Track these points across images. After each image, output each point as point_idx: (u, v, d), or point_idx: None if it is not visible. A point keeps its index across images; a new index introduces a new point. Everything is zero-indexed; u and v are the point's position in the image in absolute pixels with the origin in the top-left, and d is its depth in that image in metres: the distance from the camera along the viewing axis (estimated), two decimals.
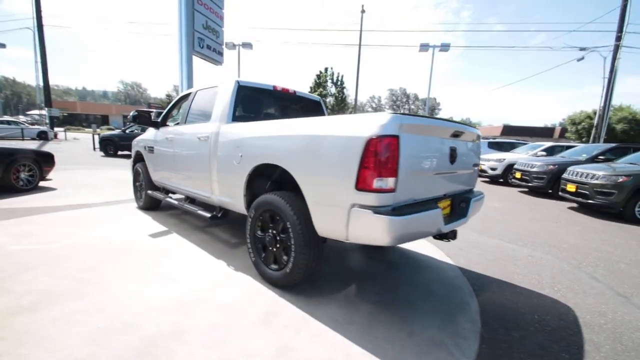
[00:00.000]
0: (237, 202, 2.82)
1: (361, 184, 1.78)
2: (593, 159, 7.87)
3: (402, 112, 1.80)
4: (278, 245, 2.39)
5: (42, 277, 2.40)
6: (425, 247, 3.62)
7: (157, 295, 2.25)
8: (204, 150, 3.10)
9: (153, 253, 3.02)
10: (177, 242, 3.37)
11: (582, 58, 16.40)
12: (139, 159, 4.77)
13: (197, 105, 3.57)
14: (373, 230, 1.77)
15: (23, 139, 19.09)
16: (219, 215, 3.16)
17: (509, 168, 9.91)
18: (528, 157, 9.88)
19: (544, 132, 35.94)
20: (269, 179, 2.68)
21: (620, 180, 5.59)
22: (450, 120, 2.34)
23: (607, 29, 14.51)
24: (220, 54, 10.65)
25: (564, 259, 3.54)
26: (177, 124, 3.96)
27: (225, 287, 2.45)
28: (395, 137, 1.74)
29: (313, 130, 2.10)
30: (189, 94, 3.85)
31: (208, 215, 3.15)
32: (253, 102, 3.42)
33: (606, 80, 14.49)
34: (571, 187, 6.37)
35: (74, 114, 45.51)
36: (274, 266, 2.45)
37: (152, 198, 4.40)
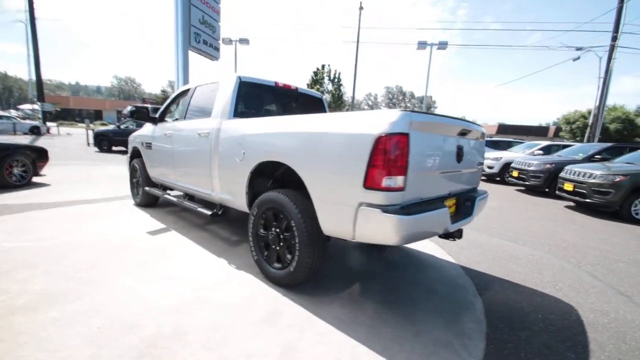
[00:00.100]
0: (238, 199, 2.78)
1: (369, 182, 1.75)
2: (590, 158, 7.94)
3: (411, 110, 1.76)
4: (281, 244, 2.36)
5: (40, 275, 2.34)
6: (426, 245, 3.61)
7: (157, 294, 2.21)
8: (205, 147, 3.04)
9: (152, 251, 2.97)
10: (176, 239, 3.32)
11: (579, 58, 16.50)
12: (135, 155, 4.69)
13: (197, 101, 3.50)
14: (381, 230, 1.75)
15: (15, 134, 18.79)
16: (220, 212, 3.12)
17: (506, 167, 9.96)
18: (525, 155, 9.93)
19: (539, 131, 36.21)
20: (271, 177, 2.64)
21: (618, 179, 5.64)
22: (457, 118, 2.32)
23: (604, 29, 14.55)
24: (217, 49, 10.50)
25: (564, 258, 3.56)
26: (176, 119, 3.89)
27: (227, 285, 2.41)
28: (405, 135, 1.71)
29: (320, 127, 2.06)
30: (187, 90, 3.78)
31: (209, 212, 3.10)
32: (254, 98, 3.37)
33: (601, 80, 14.60)
34: (568, 186, 6.43)
35: (67, 109, 44.79)
36: (277, 265, 2.42)
37: (149, 195, 4.33)
